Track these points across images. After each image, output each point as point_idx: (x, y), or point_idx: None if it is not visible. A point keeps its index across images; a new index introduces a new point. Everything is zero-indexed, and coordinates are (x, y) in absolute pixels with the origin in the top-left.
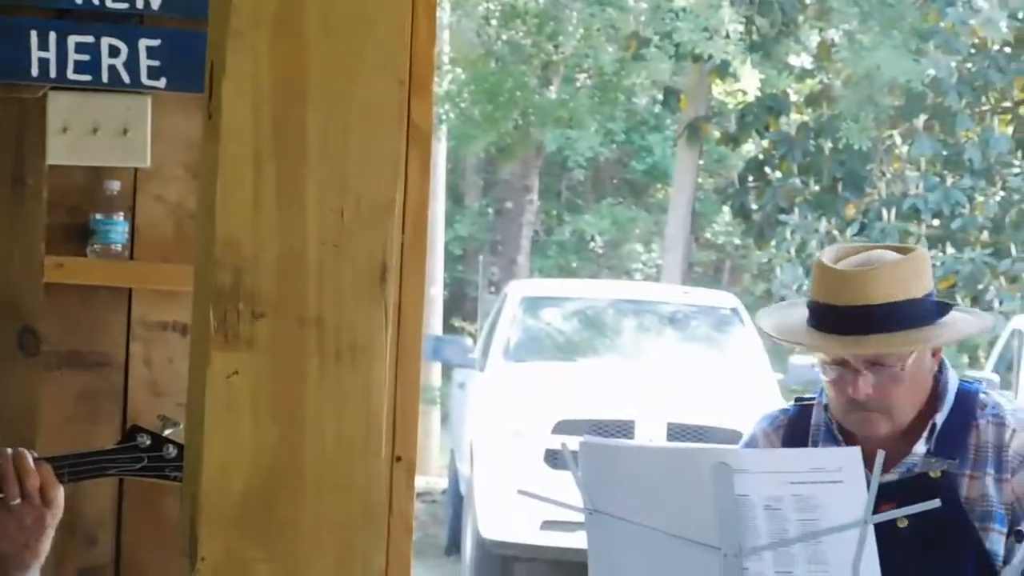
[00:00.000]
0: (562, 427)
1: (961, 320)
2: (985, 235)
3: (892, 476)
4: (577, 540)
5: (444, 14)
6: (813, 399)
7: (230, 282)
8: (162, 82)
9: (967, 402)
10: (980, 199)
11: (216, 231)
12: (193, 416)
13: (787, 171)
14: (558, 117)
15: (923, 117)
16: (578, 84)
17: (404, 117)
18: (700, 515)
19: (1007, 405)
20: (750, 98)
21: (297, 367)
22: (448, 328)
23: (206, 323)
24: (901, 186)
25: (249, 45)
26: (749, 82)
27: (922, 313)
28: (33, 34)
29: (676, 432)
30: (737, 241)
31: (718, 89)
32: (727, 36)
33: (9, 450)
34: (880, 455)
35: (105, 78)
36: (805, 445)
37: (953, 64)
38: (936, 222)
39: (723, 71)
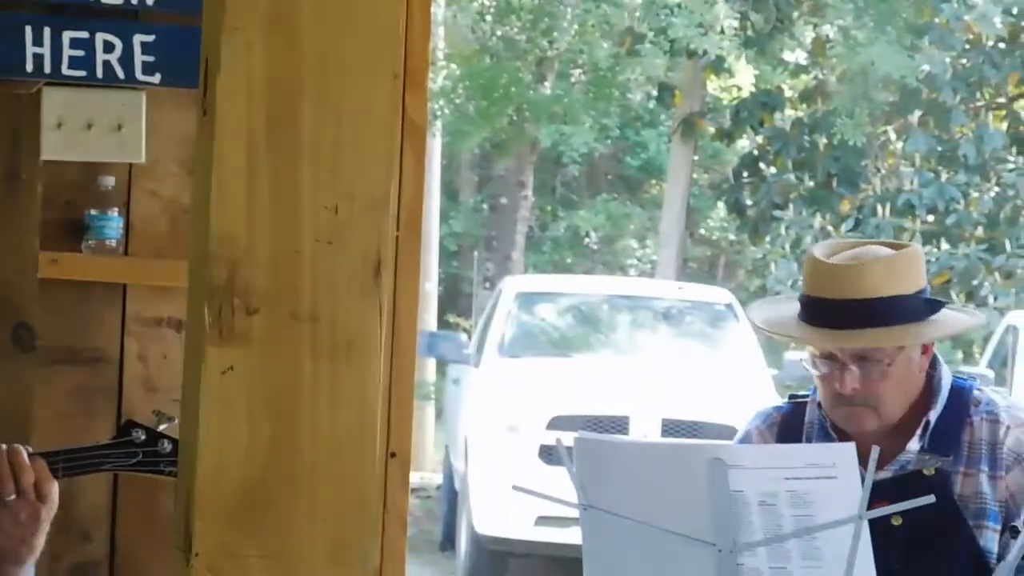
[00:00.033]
0: (557, 423)
1: (952, 317)
2: (980, 231)
3: (886, 473)
4: (572, 536)
5: (439, 10)
6: (807, 396)
7: (225, 278)
8: (157, 78)
9: (961, 399)
10: (975, 195)
11: (211, 227)
12: (188, 412)
13: (782, 167)
14: (553, 113)
15: (918, 113)
16: (573, 80)
17: (399, 113)
18: (695, 511)
19: (1001, 402)
20: (745, 94)
21: (292, 363)
22: (443, 324)
23: (201, 319)
24: (896, 182)
25: (243, 41)
26: (744, 78)
27: (912, 309)
28: (28, 29)
29: (671, 428)
30: (732, 237)
31: (713, 85)
32: (722, 32)
33: (4, 446)
34: (875, 451)
35: (100, 74)
36: (799, 442)
37: (948, 60)
38: (931, 218)
39: (718, 67)
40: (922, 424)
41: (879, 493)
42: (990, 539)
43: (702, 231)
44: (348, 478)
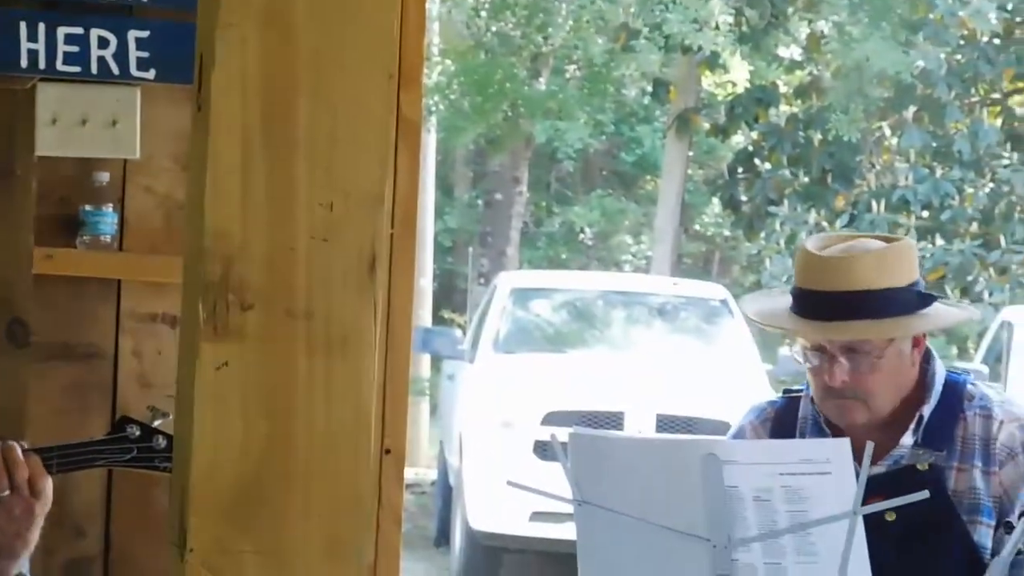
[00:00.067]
0: (551, 418)
1: (944, 311)
2: (974, 227)
3: (880, 468)
4: (566, 531)
5: (433, 6)
6: (801, 391)
7: (219, 274)
8: (151, 73)
9: (954, 394)
10: (969, 191)
11: (205, 222)
12: (182, 407)
13: (776, 163)
14: (547, 109)
15: (912, 109)
16: (567, 76)
17: (393, 109)
18: (689, 506)
19: (994, 397)
20: (739, 90)
21: (286, 358)
22: (437, 320)
23: (195, 314)
24: (890, 178)
25: (238, 37)
26: (738, 74)
27: (903, 302)
28: (22, 25)
29: (665, 423)
30: (726, 232)
31: (707, 81)
32: (717, 28)
33: None
34: (869, 446)
35: (94, 69)
36: (792, 437)
37: (942, 56)
38: (925, 214)
39: (712, 63)
40: (916, 419)
41: (873, 488)
42: (984, 534)
43: (697, 227)
44: (343, 474)
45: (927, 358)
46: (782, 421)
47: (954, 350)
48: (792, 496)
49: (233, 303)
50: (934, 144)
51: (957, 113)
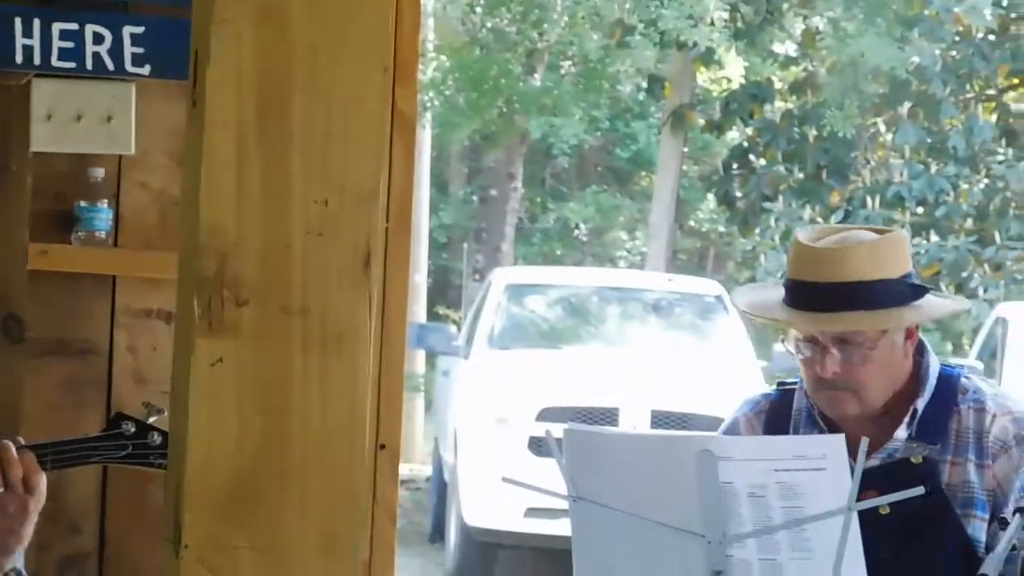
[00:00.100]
0: (546, 414)
1: (936, 303)
2: (969, 223)
3: (874, 461)
4: (561, 527)
5: (428, 1)
6: (795, 384)
7: (215, 269)
8: (146, 69)
9: (948, 387)
10: (964, 187)
11: (200, 218)
12: (177, 403)
13: (771, 159)
14: (542, 105)
15: (907, 105)
16: (562, 72)
17: (388, 105)
18: (684, 502)
19: (988, 390)
20: (734, 86)
21: (281, 354)
22: (432, 316)
23: (190, 310)
24: (885, 174)
25: (233, 32)
26: (733, 70)
27: (895, 293)
28: (17, 21)
29: (660, 419)
30: (721, 229)
31: (702, 77)
32: (712, 24)
33: None
34: (864, 443)
35: (89, 65)
36: (787, 430)
37: (937, 52)
38: (920, 210)
39: (707, 59)
40: (910, 412)
41: (867, 482)
42: (978, 528)
43: (692, 223)
44: (338, 470)
45: (921, 351)
46: (776, 413)
47: (949, 346)
48: (787, 492)
49: (228, 299)
50: (929, 140)
51: (952, 109)
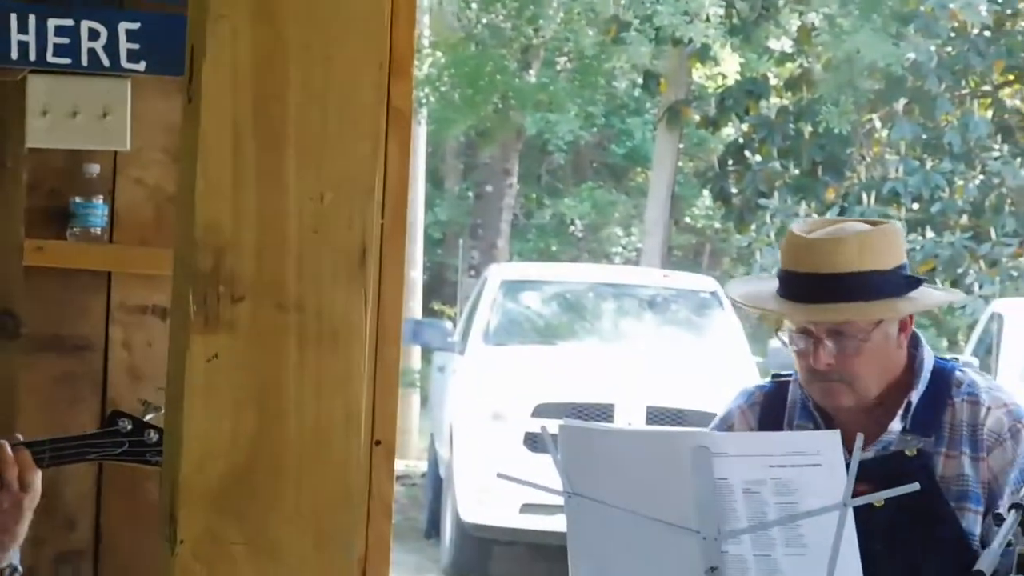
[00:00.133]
0: (542, 410)
1: (929, 294)
2: (965, 219)
3: (868, 454)
4: (557, 523)
5: None
6: (790, 376)
7: (210, 266)
8: (142, 65)
9: (943, 380)
10: (960, 183)
11: (196, 214)
12: (173, 400)
13: (767, 155)
14: (538, 101)
15: (903, 101)
16: (558, 68)
17: (384, 100)
18: (679, 498)
19: (982, 383)
20: (730, 82)
21: (277, 350)
22: (428, 312)
23: (186, 307)
24: (881, 170)
25: (229, 28)
26: (729, 66)
27: (888, 284)
28: (13, 17)
29: (655, 415)
30: (717, 225)
31: (698, 73)
32: (707, 20)
33: None
34: (859, 439)
35: (85, 61)
36: (781, 422)
37: (933, 48)
38: (916, 206)
39: (703, 55)
40: (904, 405)
41: (861, 474)
42: (972, 521)
43: (687, 219)
44: (333, 466)
45: (915, 344)
46: (771, 405)
47: (945, 343)
48: (782, 488)
49: (224, 295)
50: (924, 136)
51: (947, 105)
